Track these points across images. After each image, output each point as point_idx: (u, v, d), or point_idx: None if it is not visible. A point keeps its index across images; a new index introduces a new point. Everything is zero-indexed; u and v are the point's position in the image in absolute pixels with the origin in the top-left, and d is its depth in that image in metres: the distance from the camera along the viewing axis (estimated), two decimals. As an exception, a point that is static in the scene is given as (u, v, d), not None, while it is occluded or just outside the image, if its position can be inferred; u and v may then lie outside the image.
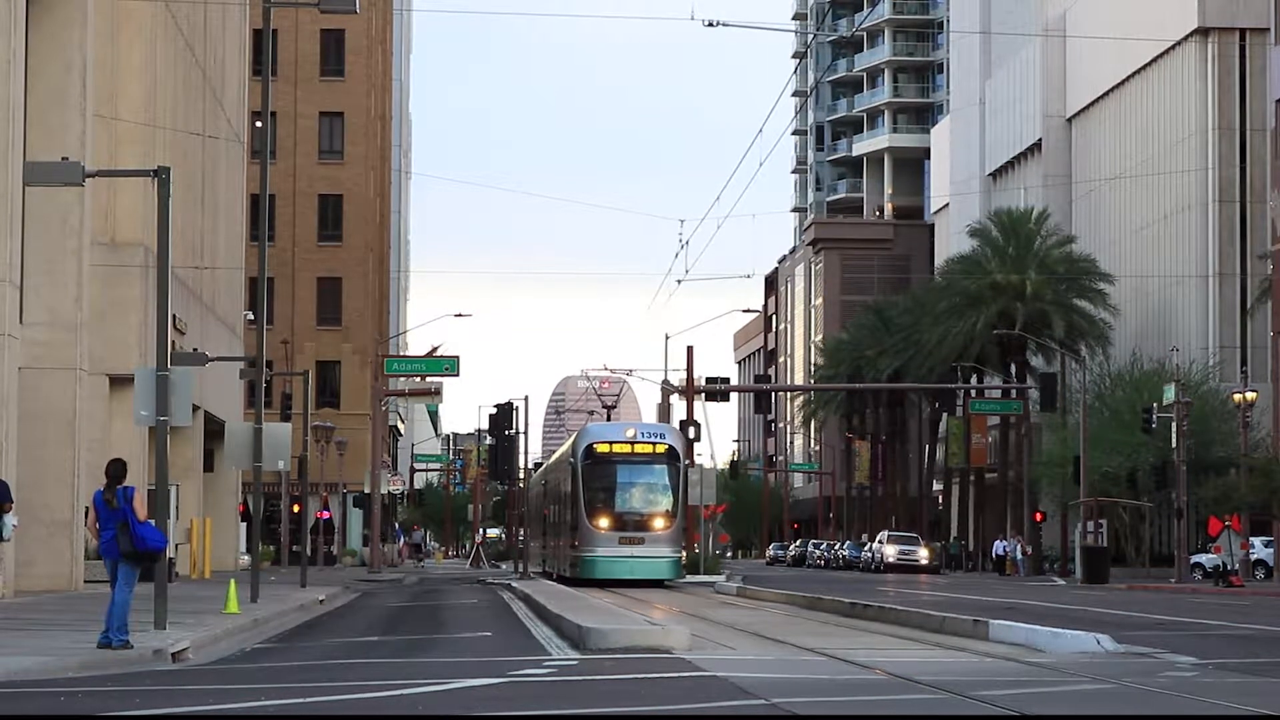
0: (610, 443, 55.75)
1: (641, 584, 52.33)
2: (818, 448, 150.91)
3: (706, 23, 48.03)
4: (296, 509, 79.49)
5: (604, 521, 54.20)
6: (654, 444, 55.42)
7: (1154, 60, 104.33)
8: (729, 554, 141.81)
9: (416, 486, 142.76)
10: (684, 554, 57.80)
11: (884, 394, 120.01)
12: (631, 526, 54.17)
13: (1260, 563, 79.42)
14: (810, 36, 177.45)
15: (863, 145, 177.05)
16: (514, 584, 53.88)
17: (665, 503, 54.74)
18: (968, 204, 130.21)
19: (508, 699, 17.18)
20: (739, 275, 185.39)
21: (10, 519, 30.56)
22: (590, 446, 55.65)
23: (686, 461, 57.48)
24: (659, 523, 54.31)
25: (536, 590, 44.41)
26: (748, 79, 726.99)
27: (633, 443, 55.38)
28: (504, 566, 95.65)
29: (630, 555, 53.62)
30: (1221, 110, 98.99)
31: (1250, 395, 76.97)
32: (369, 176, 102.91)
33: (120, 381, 47.55)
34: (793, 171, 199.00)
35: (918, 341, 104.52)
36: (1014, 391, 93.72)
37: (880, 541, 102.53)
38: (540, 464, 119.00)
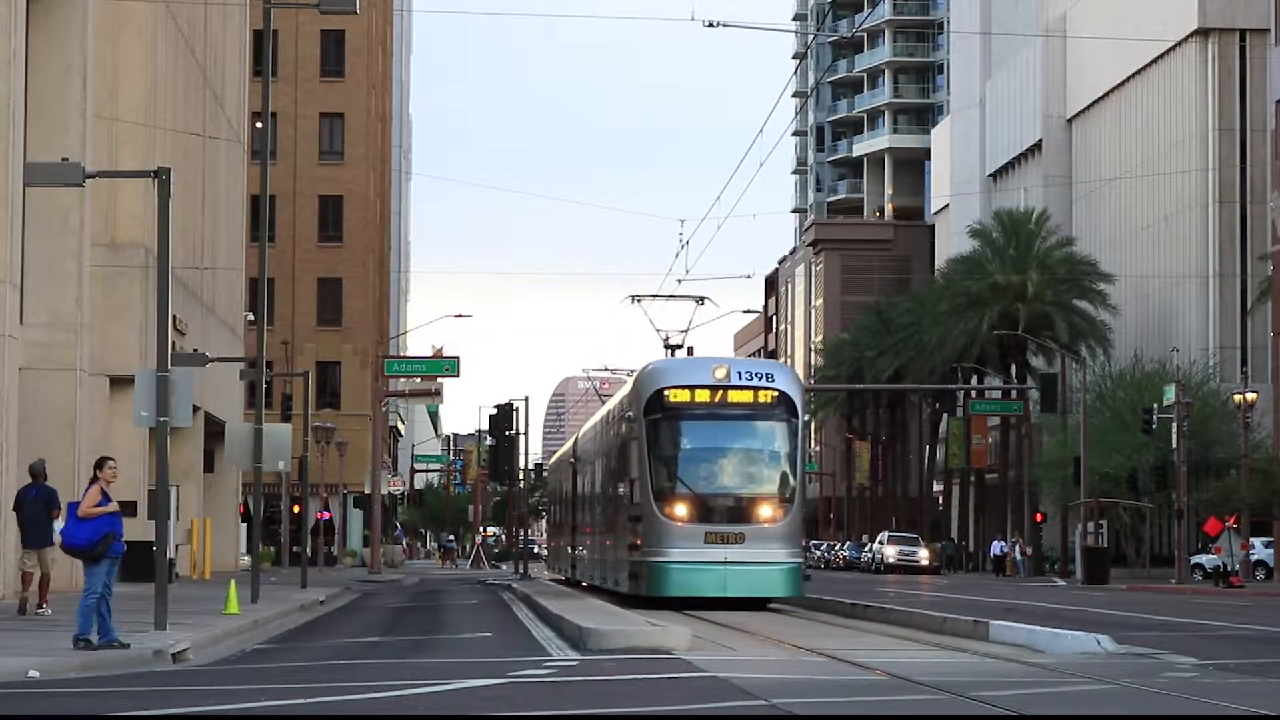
0: (691, 387, 36.77)
1: (741, 605, 35.37)
2: (818, 448, 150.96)
3: (706, 23, 47.95)
4: (297, 510, 79.44)
5: (682, 509, 35.87)
6: (758, 389, 36.73)
7: (1154, 61, 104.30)
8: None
9: (417, 487, 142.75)
10: (804, 558, 40.34)
11: (884, 394, 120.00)
12: (725, 517, 35.93)
13: (1260, 563, 79.40)
14: (810, 37, 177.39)
15: (863, 146, 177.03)
16: (514, 585, 53.86)
17: (776, 479, 36.45)
18: (968, 205, 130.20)
19: (508, 700, 17.18)
20: (739, 276, 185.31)
21: (58, 524, 30.60)
22: (659, 395, 36.74)
23: (806, 417, 38.85)
24: (766, 510, 35.89)
25: (537, 591, 44.42)
26: (748, 79, 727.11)
27: (725, 387, 36.61)
28: (504, 568, 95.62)
29: (724, 561, 35.46)
30: (1222, 111, 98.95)
31: (1250, 396, 76.95)
32: (369, 177, 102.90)
33: (121, 382, 47.53)
34: (793, 172, 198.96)
35: (918, 342, 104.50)
36: (1014, 392, 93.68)
37: (880, 542, 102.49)
38: (547, 459, 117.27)
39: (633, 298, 47.34)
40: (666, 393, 36.88)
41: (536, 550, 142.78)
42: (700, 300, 47.85)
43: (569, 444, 58.63)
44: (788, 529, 36.42)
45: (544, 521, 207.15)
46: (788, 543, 36.47)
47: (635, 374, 39.50)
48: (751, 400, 36.74)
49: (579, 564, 52.69)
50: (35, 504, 31.24)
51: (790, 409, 36.87)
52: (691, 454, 36.80)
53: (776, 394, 36.83)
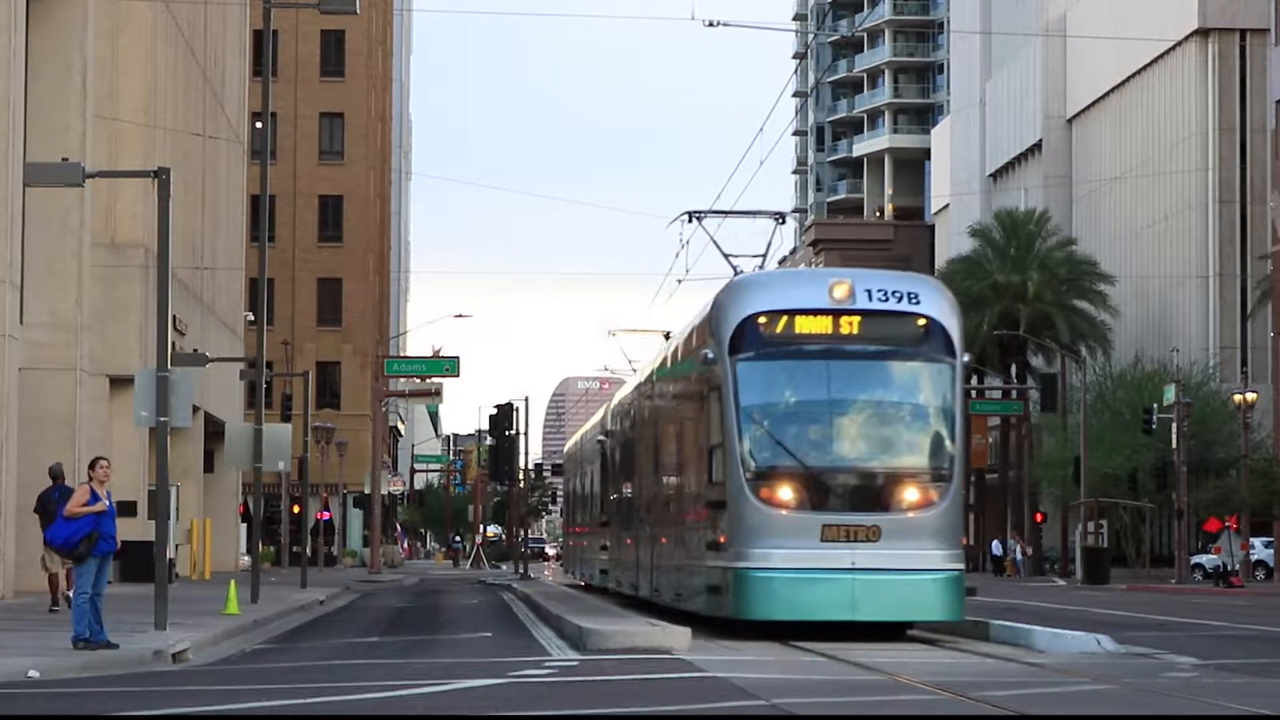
0: (799, 313, 26.13)
1: (875, 631, 25.64)
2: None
3: (707, 23, 47.91)
4: (297, 510, 79.44)
5: (788, 492, 25.31)
6: (899, 315, 26.17)
7: (1154, 61, 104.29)
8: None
9: (417, 487, 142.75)
10: (964, 564, 26.62)
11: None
12: (852, 502, 25.48)
13: (1260, 563, 79.48)
14: (810, 37, 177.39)
15: (863, 146, 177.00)
16: (515, 585, 53.84)
17: (926, 447, 26.05)
18: (968, 205, 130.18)
19: (508, 699, 17.18)
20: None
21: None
22: (752, 324, 26.09)
23: (966, 357, 26.62)
24: (912, 492, 25.52)
25: (537, 591, 44.40)
26: (748, 79, 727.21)
27: (850, 312, 26.02)
28: (504, 568, 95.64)
29: (851, 567, 25.04)
30: (1222, 111, 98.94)
31: (1250, 396, 76.98)
32: (369, 177, 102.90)
33: (121, 382, 47.52)
34: (793, 172, 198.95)
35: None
36: (1015, 392, 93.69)
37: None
38: (548, 458, 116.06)
39: (690, 213, 34.11)
40: (762, 321, 25.92)
41: (547, 550, 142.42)
42: (780, 218, 34.01)
43: (596, 417, 47.00)
44: (944, 519, 25.50)
45: (554, 517, 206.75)
46: (943, 540, 25.48)
47: (710, 300, 27.27)
48: (890, 331, 26.06)
49: (612, 568, 41.12)
50: (57, 505, 31.38)
51: (946, 343, 26.07)
52: (801, 410, 25.99)
53: (925, 322, 26.00)
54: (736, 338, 25.92)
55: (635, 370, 41.72)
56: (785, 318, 25.99)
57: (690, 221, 33.72)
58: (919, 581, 25.37)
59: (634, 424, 36.47)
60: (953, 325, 26.27)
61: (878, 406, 26.07)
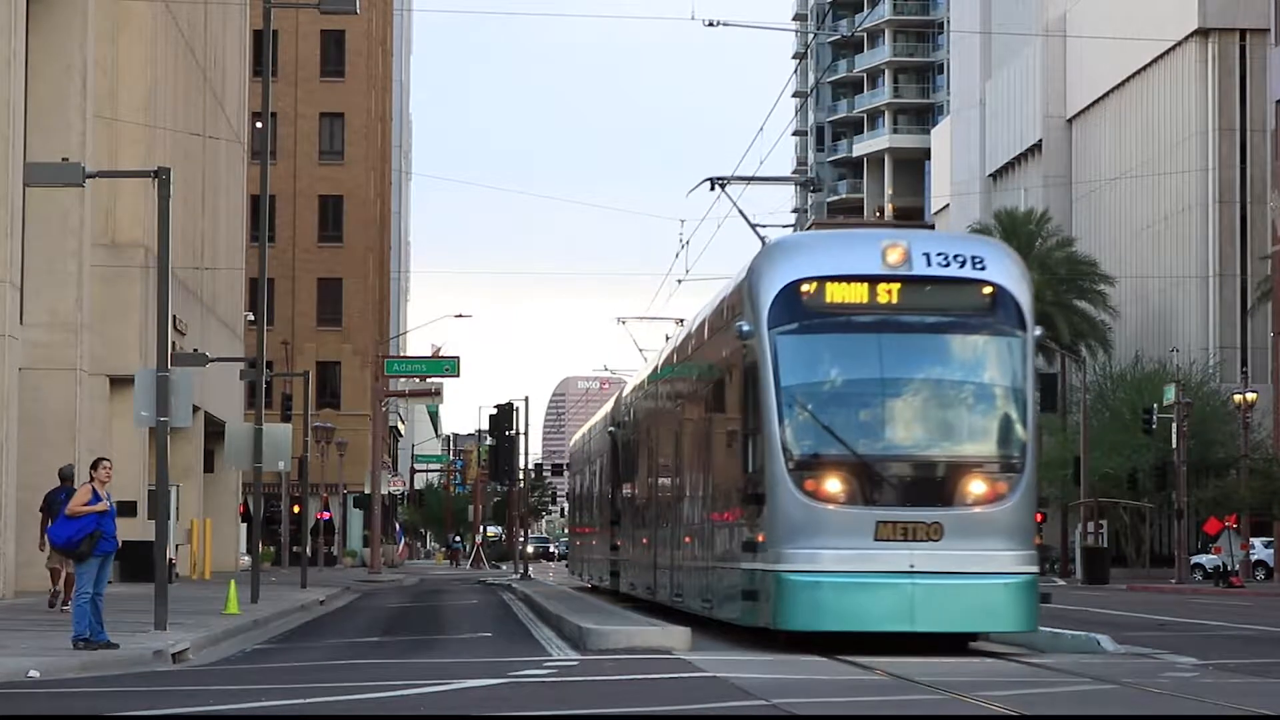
0: (848, 279, 23.31)
1: (934, 643, 22.89)
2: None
3: (706, 23, 47.90)
4: (297, 510, 79.47)
5: (836, 483, 22.55)
6: (962, 281, 23.34)
7: (1154, 61, 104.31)
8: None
9: (417, 487, 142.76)
10: (1039, 565, 23.73)
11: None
12: (910, 495, 22.63)
13: (1260, 563, 79.50)
14: (810, 37, 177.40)
15: (863, 146, 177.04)
16: (515, 585, 53.84)
17: (994, 432, 23.24)
18: (968, 205, 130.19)
19: (508, 699, 17.19)
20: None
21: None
22: (794, 292, 23.28)
23: (1038, 331, 23.74)
24: (978, 484, 22.70)
25: (537, 591, 44.38)
26: (748, 79, 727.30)
27: (906, 279, 23.25)
28: (504, 568, 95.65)
29: (909, 570, 22.27)
30: (1222, 111, 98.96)
31: (1250, 396, 76.99)
32: (369, 177, 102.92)
33: (121, 382, 47.51)
34: (793, 172, 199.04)
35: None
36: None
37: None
38: (548, 458, 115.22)
39: (712, 179, 31.29)
40: (806, 289, 23.09)
41: (551, 550, 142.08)
42: (810, 185, 32.08)
43: (605, 409, 44.18)
44: (1015, 516, 22.65)
45: (554, 518, 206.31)
46: (1014, 539, 22.61)
47: (746, 266, 24.41)
48: (952, 300, 23.21)
49: (625, 570, 38.39)
50: (62, 506, 31.41)
51: (1015, 314, 23.24)
52: (850, 390, 23.11)
53: (992, 290, 23.18)
54: (776, 308, 23.03)
55: (646, 360, 39.59)
56: (832, 285, 23.07)
57: (713, 189, 31.13)
58: (987, 587, 22.40)
59: (651, 412, 33.73)
60: (1022, 293, 23.45)
61: (938, 386, 23.13)
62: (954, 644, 23.21)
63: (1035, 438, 23.09)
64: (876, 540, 22.26)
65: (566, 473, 61.12)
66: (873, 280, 23.09)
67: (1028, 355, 23.25)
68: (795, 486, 22.47)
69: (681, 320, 37.14)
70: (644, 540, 34.27)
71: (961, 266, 23.24)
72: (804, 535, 22.39)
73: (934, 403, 23.06)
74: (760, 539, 22.89)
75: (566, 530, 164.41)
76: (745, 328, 23.28)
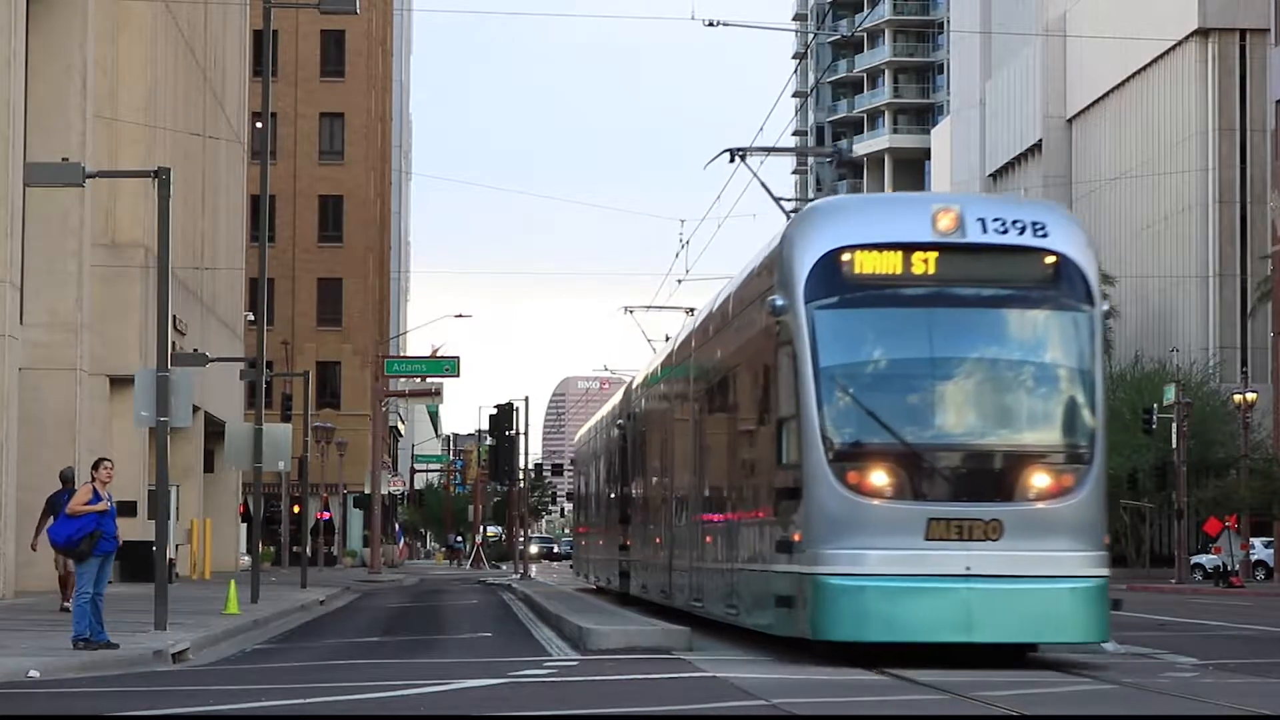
0: (894, 248, 21.05)
1: (988, 654, 20.51)
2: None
3: (706, 22, 47.93)
4: (297, 510, 79.48)
5: (882, 476, 20.41)
6: (1021, 250, 21.12)
7: (1154, 61, 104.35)
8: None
9: (417, 487, 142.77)
10: (1108, 569, 20.93)
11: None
12: (966, 489, 20.46)
13: (1260, 563, 79.52)
14: (810, 37, 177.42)
15: (863, 146, 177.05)
16: (515, 585, 53.83)
17: (1058, 419, 21.10)
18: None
19: (508, 699, 17.19)
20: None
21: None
22: (833, 262, 21.03)
23: (1106, 305, 21.48)
24: (1042, 477, 20.53)
25: (537, 591, 44.36)
26: (748, 79, 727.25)
27: (959, 247, 21.05)
28: (504, 568, 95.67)
29: (965, 573, 20.14)
30: (1222, 111, 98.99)
31: (1250, 396, 77.01)
32: (369, 177, 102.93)
33: (121, 382, 47.52)
34: (793, 172, 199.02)
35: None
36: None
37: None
38: (548, 458, 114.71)
39: (731, 150, 29.36)
40: (848, 258, 20.82)
41: (556, 550, 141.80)
42: (836, 158, 29.33)
43: (613, 401, 42.18)
44: (1082, 512, 20.46)
45: (554, 518, 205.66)
46: (1082, 538, 20.41)
47: (779, 234, 22.10)
48: (1011, 271, 20.99)
49: (636, 571, 36.31)
50: (63, 507, 31.46)
51: (1081, 286, 21.02)
52: (898, 371, 20.85)
53: (1055, 259, 20.96)
54: (814, 279, 20.70)
55: (655, 350, 38.20)
56: (877, 254, 20.75)
57: (732, 160, 29.29)
58: (1052, 592, 20.12)
59: (666, 401, 31.38)
60: (1088, 263, 21.17)
61: (996, 367, 20.79)
62: (1010, 656, 20.86)
63: (1104, 425, 20.80)
64: (928, 540, 20.01)
65: (570, 470, 58.93)
66: (922, 248, 20.76)
67: (1095, 332, 20.93)
68: (836, 479, 20.17)
69: (692, 310, 35.21)
70: (657, 540, 32.18)
71: (1021, 233, 20.90)
72: (846, 534, 20.11)
73: (991, 385, 20.73)
74: (796, 538, 20.57)
75: (567, 530, 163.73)
76: (779, 302, 20.95)
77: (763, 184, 28.76)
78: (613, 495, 40.68)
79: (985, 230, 20.89)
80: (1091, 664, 21.18)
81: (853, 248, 20.82)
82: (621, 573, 38.74)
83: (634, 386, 37.88)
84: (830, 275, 20.74)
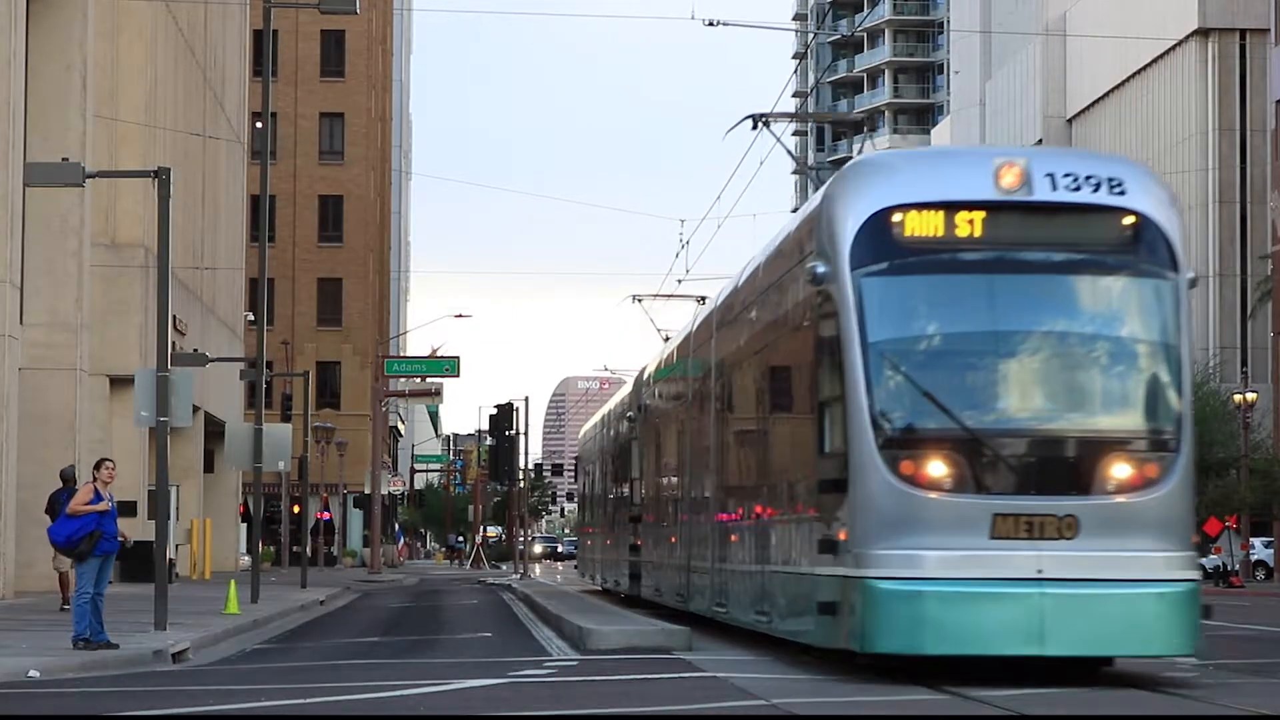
0: (952, 206, 18.42)
1: (1058, 667, 18.30)
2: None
3: (706, 22, 47.95)
4: (297, 510, 79.47)
5: (939, 466, 17.92)
6: (1095, 206, 18.53)
7: (1154, 61, 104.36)
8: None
9: (417, 487, 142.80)
10: (1198, 572, 18.57)
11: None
12: (1036, 480, 17.95)
13: (1260, 563, 79.47)
14: (810, 36, 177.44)
15: (864, 146, 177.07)
16: (515, 585, 53.82)
17: (1140, 400, 18.52)
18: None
19: (508, 699, 17.18)
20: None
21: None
22: (882, 223, 18.49)
23: (1191, 273, 18.71)
24: (1121, 468, 17.99)
25: (537, 591, 44.34)
26: (748, 79, 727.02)
27: (1025, 206, 18.49)
28: (504, 568, 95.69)
29: (1037, 576, 17.64)
30: (1222, 111, 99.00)
31: (1251, 396, 76.97)
32: (369, 177, 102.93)
33: (121, 382, 47.53)
34: (793, 172, 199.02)
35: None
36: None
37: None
38: (548, 458, 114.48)
39: (754, 116, 28.39)
40: (899, 219, 18.42)
41: (560, 550, 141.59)
42: (864, 128, 27.66)
43: (622, 393, 40.37)
44: (1168, 507, 18.08)
45: (554, 518, 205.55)
46: (1168, 536, 18.05)
47: (820, 192, 19.66)
48: (1084, 233, 18.61)
49: (648, 573, 34.15)
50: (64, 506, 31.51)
51: (1165, 250, 18.72)
52: (958, 347, 18.44)
53: (1135, 220, 18.64)
54: (862, 243, 18.28)
55: (667, 339, 35.95)
56: (932, 214, 18.27)
57: (755, 127, 28.18)
58: (1135, 598, 17.69)
59: (684, 389, 29.26)
60: (1172, 224, 18.81)
61: (1068, 341, 18.31)
62: (1086, 670, 18.71)
63: (1191, 408, 18.36)
64: (993, 538, 17.59)
65: (575, 466, 56.90)
66: (984, 208, 18.28)
67: (1181, 302, 18.42)
68: (888, 469, 17.73)
69: (704, 298, 33.12)
70: (673, 539, 29.98)
71: (1095, 190, 18.41)
72: (900, 532, 17.68)
73: (1064, 363, 18.25)
74: (841, 536, 18.21)
75: (568, 530, 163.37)
76: (820, 269, 18.50)
77: (788, 151, 27.84)
78: (622, 492, 38.66)
79: (1055, 187, 18.39)
80: (1181, 680, 19.00)
81: (905, 207, 18.32)
82: (632, 574, 36.70)
83: (645, 376, 35.67)
84: (879, 238, 18.30)
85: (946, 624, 17.51)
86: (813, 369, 19.05)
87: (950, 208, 18.28)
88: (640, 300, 41.51)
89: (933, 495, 17.70)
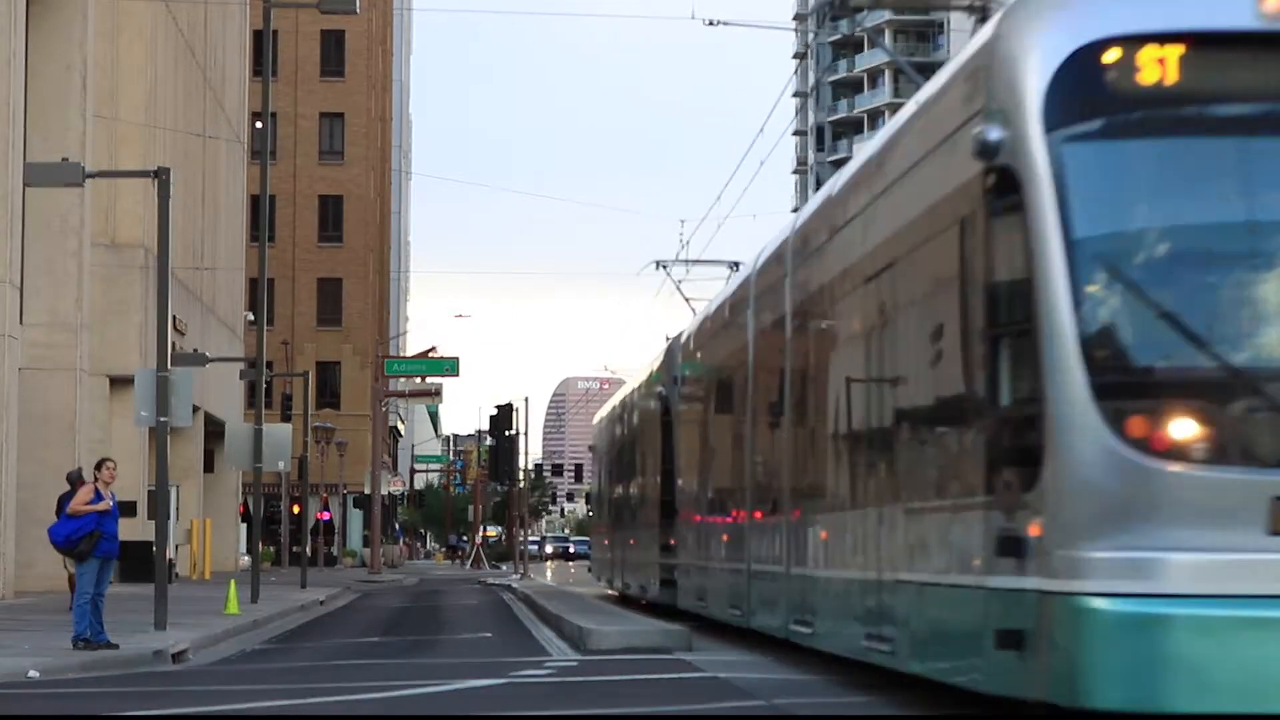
0: (1190, 39, 11.37)
1: None
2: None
3: (707, 22, 47.95)
4: (297, 510, 79.47)
5: (1188, 424, 11.12)
6: None
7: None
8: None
9: (417, 487, 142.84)
10: None
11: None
12: None
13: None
14: (811, 36, 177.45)
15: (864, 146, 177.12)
16: (515, 585, 53.82)
17: None
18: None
19: (508, 699, 17.17)
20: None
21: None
22: (1088, 59, 11.49)
23: None
24: None
25: (537, 591, 44.31)
26: (748, 79, 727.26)
27: None
28: (504, 568, 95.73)
29: None
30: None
31: (1251, 396, 77.01)
32: (369, 177, 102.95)
33: (121, 382, 47.52)
34: (793, 172, 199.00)
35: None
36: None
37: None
38: (548, 459, 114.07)
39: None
40: (1115, 57, 11.77)
41: (572, 550, 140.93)
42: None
43: (653, 365, 33.74)
44: None
45: (554, 518, 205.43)
46: None
47: (995, 23, 12.82)
48: None
49: (691, 577, 28.29)
50: None
51: None
52: (1211, 249, 11.77)
53: None
54: (1061, 92, 11.90)
55: (695, 311, 31.67)
56: (1164, 49, 11.80)
57: (822, 25, 21.97)
58: None
59: (746, 344, 23.02)
60: None
61: None
62: None
63: None
64: (1273, 534, 11.22)
65: (589, 457, 51.01)
66: (1245, 42, 11.83)
67: None
68: (1109, 428, 11.39)
69: (737, 264, 28.09)
70: (725, 537, 24.49)
71: None
72: (1129, 524, 11.33)
73: None
74: (1032, 531, 11.83)
75: (567, 530, 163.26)
76: (993, 135, 12.10)
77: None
78: (651, 482, 32.84)
79: None
80: None
81: (1125, 40, 11.84)
82: (664, 580, 31.32)
83: (683, 341, 30.14)
84: (1088, 85, 11.90)
85: (1207, 666, 11.08)
86: (980, 287, 12.65)
87: (1192, 40, 11.84)
88: (665, 266, 37.08)
89: (1177, 468, 11.33)
